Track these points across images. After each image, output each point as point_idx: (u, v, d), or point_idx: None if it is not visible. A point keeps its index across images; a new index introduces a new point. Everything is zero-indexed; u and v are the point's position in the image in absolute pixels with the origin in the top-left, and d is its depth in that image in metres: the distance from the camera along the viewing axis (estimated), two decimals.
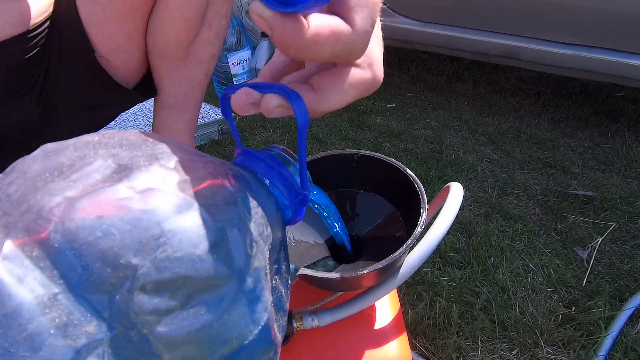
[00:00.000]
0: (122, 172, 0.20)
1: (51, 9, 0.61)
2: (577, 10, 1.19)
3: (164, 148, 0.23)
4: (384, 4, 1.49)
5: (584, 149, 1.32)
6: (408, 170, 0.47)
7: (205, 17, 0.68)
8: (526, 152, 1.31)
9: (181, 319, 0.18)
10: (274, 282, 0.26)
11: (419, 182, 0.45)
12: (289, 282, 0.30)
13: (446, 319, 0.71)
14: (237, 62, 1.65)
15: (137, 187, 0.19)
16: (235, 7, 1.81)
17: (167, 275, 0.18)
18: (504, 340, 0.68)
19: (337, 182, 0.53)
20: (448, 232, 0.95)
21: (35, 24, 0.59)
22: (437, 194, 0.54)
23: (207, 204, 0.21)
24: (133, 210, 0.18)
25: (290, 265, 0.38)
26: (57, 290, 0.16)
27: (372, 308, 0.49)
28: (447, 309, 0.73)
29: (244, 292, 0.21)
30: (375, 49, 0.28)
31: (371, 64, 0.27)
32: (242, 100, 0.25)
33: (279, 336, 0.26)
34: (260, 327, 0.23)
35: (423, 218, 0.41)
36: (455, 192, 0.48)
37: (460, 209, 1.05)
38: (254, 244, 0.22)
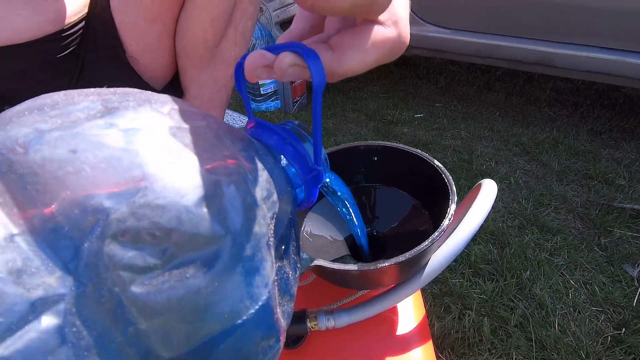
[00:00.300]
0: (108, 112, 0.17)
1: (86, 10, 0.63)
2: (617, 14, 1.12)
3: (161, 97, 0.21)
4: (413, 12, 1.47)
5: (631, 161, 1.22)
6: (435, 160, 0.43)
7: (232, 17, 0.69)
8: (564, 163, 1.23)
9: (162, 280, 0.16)
10: (279, 261, 0.23)
11: (447, 172, 0.41)
12: (298, 265, 0.27)
13: (477, 334, 0.65)
14: None
15: (121, 125, 0.17)
16: (264, 19, 1.85)
17: (145, 224, 0.15)
18: None
19: (356, 176, 0.50)
20: (478, 242, 0.89)
21: (70, 23, 0.60)
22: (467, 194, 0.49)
23: (202, 154, 0.18)
24: (112, 148, 0.16)
25: (304, 255, 0.35)
26: (15, 231, 0.14)
27: (394, 312, 0.45)
28: (477, 323, 0.67)
29: (239, 259, 0.18)
30: (400, 5, 0.25)
31: (396, 21, 0.24)
32: (255, 62, 0.22)
33: (282, 322, 0.23)
34: (258, 306, 0.19)
35: (452, 210, 0.37)
36: (489, 188, 0.44)
37: (491, 219, 0.99)
38: (255, 207, 0.19)
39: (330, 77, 0.22)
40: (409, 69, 2.03)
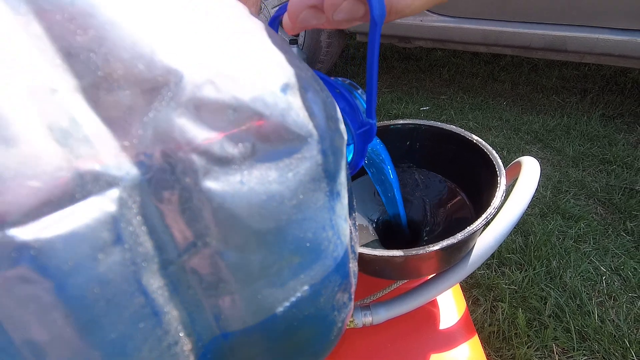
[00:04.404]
0: None
1: None
2: None
3: None
4: None
5: None
6: (474, 136, 0.39)
7: None
8: (578, 149, 1.20)
9: (241, 179, 0.12)
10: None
11: (489, 146, 0.38)
12: (357, 224, 0.23)
13: (511, 327, 0.61)
14: None
15: None
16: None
17: (226, 97, 0.12)
18: (584, 353, 0.58)
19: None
20: None
21: None
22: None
23: (280, 47, 0.16)
24: (193, 5, 0.13)
25: None
26: (59, 85, 0.11)
27: (434, 305, 0.41)
28: (510, 315, 0.63)
29: (325, 171, 0.15)
30: None
31: None
32: (302, 2, 0.19)
33: (353, 281, 0.20)
34: (339, 240, 0.16)
35: (502, 185, 0.33)
36: (530, 164, 0.40)
37: None
38: (333, 119, 0.16)
39: (388, 13, 0.19)
40: (411, 62, 2.00)
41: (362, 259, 0.33)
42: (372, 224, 0.44)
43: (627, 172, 1.05)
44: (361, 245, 0.39)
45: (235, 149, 0.12)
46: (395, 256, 0.30)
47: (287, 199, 0.13)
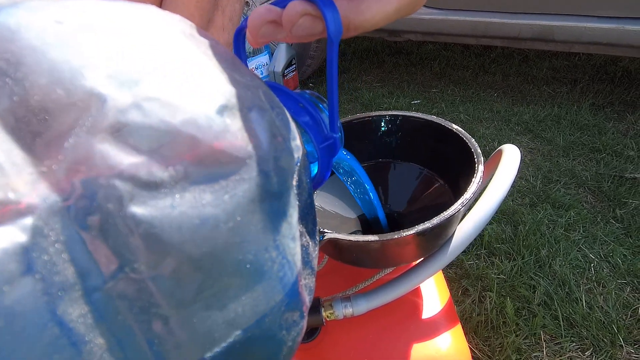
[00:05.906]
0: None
1: None
2: None
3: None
4: None
5: (637, 132, 1.19)
6: (454, 125, 0.39)
7: (218, 0, 0.65)
8: (569, 138, 1.20)
9: (171, 203, 0.12)
10: (300, 224, 0.19)
11: (468, 135, 0.37)
12: (317, 237, 0.23)
13: (500, 316, 0.61)
14: (256, 67, 1.62)
15: (129, 11, 0.14)
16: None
17: (153, 122, 0.12)
18: (572, 340, 0.58)
19: (364, 152, 0.45)
20: (490, 222, 0.85)
21: None
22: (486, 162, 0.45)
23: (222, 65, 0.15)
24: (115, 25, 0.13)
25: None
26: None
27: (417, 294, 0.41)
28: (499, 305, 0.63)
29: (266, 192, 0.14)
30: None
31: None
32: (260, 17, 0.19)
33: (306, 297, 0.19)
34: (285, 260, 0.16)
35: (479, 172, 0.33)
36: (511, 152, 0.40)
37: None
38: (280, 138, 0.16)
39: (346, 29, 0.19)
40: (402, 56, 1.99)
41: (339, 246, 0.33)
42: (358, 218, 0.43)
43: (616, 160, 1.06)
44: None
45: (165, 173, 0.12)
46: (371, 241, 0.30)
47: (222, 222, 0.13)
